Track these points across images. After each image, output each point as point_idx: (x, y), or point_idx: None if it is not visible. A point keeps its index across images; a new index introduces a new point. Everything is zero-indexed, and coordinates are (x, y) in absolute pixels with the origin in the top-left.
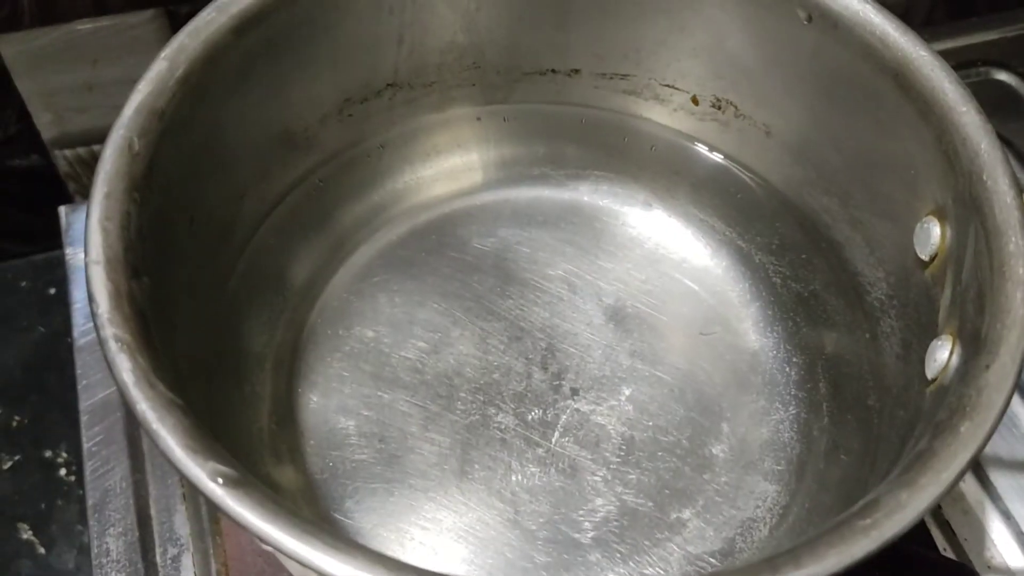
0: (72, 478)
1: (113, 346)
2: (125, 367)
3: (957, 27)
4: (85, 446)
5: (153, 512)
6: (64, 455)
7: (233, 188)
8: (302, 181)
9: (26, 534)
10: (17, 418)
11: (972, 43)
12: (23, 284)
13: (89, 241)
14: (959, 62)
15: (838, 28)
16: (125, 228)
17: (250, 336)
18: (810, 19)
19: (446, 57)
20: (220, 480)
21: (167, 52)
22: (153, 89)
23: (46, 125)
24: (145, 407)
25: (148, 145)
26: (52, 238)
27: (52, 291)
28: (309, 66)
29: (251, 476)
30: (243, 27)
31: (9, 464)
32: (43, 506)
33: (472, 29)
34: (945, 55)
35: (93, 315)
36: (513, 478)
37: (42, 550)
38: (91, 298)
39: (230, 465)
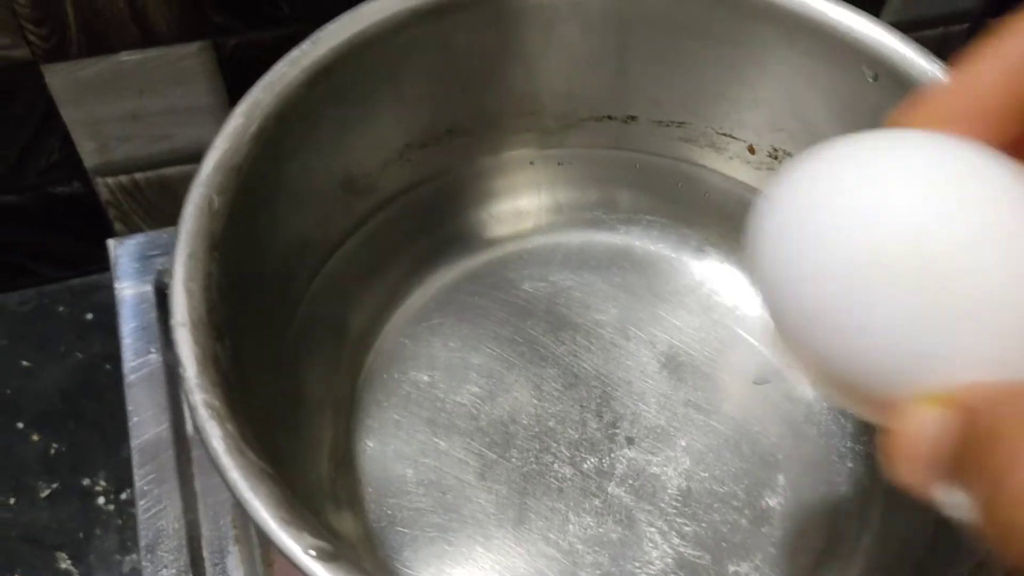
0: (111, 507)
1: (203, 413)
2: (215, 435)
3: None
4: (137, 485)
5: (206, 554)
6: (102, 483)
7: (297, 236)
8: (360, 226)
9: (64, 563)
10: (55, 445)
11: None
12: (60, 309)
13: (174, 303)
14: None
15: (905, 88)
16: (208, 289)
17: (308, 383)
18: (876, 78)
19: (504, 104)
20: (313, 553)
21: (242, 108)
22: (230, 146)
23: (89, 153)
24: (237, 476)
25: (227, 202)
26: (90, 263)
27: (90, 316)
28: (374, 114)
29: (343, 547)
30: (314, 79)
31: (47, 492)
32: (81, 535)
33: (532, 77)
34: None
35: (180, 378)
36: (570, 528)
37: None
38: (178, 361)
39: (323, 537)
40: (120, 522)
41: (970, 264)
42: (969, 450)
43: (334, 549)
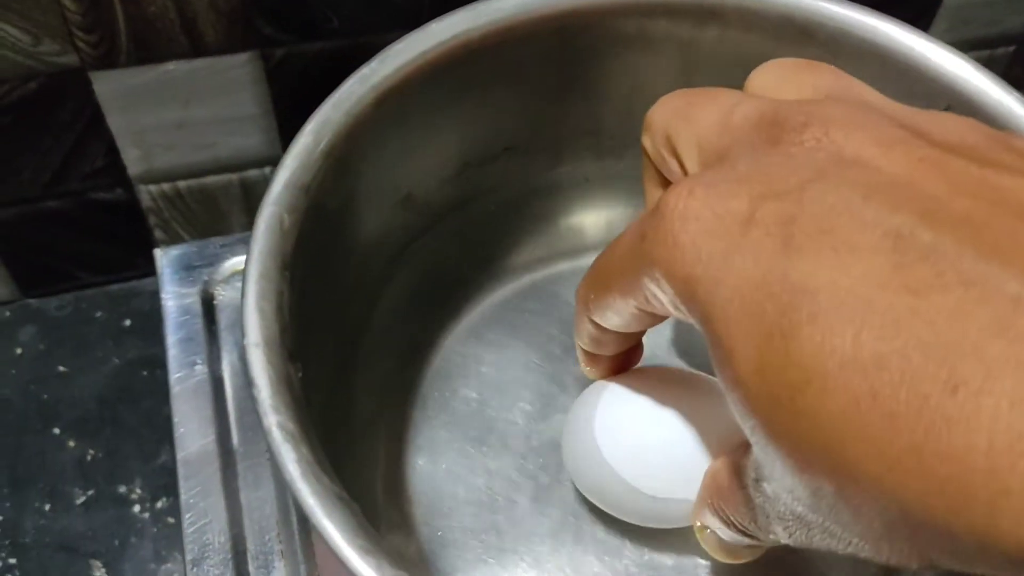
0: (146, 515)
1: (277, 435)
2: (291, 458)
3: None
4: (183, 497)
5: (251, 568)
6: (138, 491)
7: (358, 255)
8: (415, 242)
9: (99, 572)
10: (91, 452)
11: None
12: (98, 315)
13: (247, 323)
14: None
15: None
16: (280, 309)
17: (362, 402)
18: (948, 108)
19: (563, 125)
20: None
21: (312, 126)
22: (300, 164)
23: (133, 161)
24: (313, 502)
25: (296, 222)
26: (129, 269)
27: (128, 323)
28: (436, 134)
29: (414, 558)
30: (381, 98)
31: (82, 499)
32: (116, 543)
33: (592, 98)
34: None
35: (254, 399)
36: (626, 553)
37: None
38: (252, 383)
39: (401, 567)
40: (155, 531)
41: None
42: None
43: None
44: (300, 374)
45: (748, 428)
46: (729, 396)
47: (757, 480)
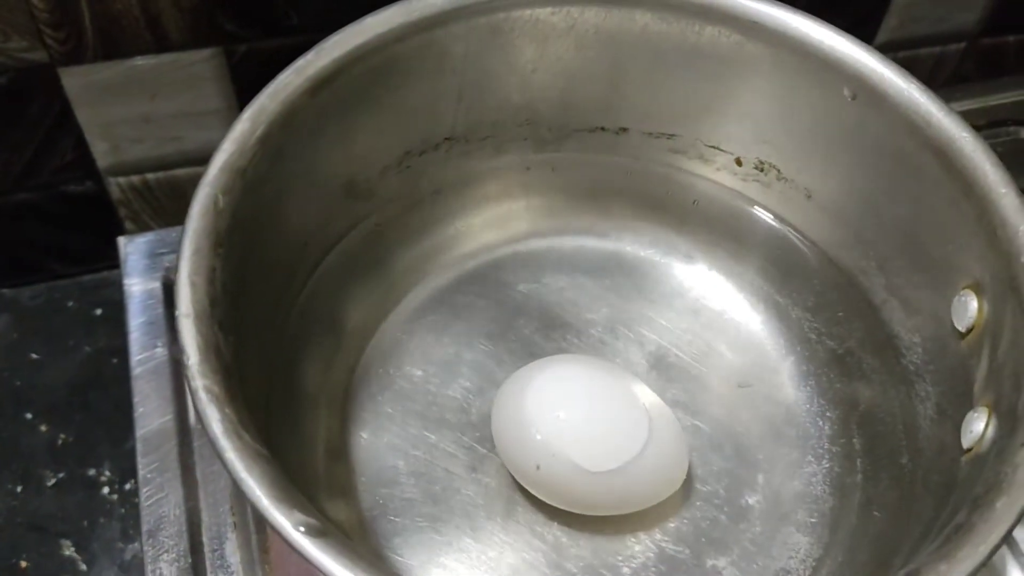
0: (115, 497)
1: (203, 397)
2: (215, 418)
3: (987, 86)
4: (140, 473)
5: (205, 539)
6: (107, 474)
7: (299, 237)
8: (356, 226)
9: (68, 551)
10: (62, 436)
11: (1003, 102)
12: (70, 304)
13: (179, 295)
14: (989, 121)
15: (883, 106)
16: (211, 283)
17: (305, 377)
18: (855, 97)
19: (501, 114)
20: (303, 529)
21: (248, 113)
22: (236, 149)
23: (102, 153)
24: (233, 456)
25: (231, 202)
26: (100, 260)
27: (98, 312)
28: (375, 122)
29: (331, 526)
30: (317, 87)
31: (53, 481)
32: (85, 524)
33: (527, 88)
34: (974, 114)
35: (183, 365)
36: (555, 522)
37: (84, 567)
38: (182, 349)
39: (312, 515)
40: (123, 511)
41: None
42: None
43: (323, 526)
44: (231, 345)
45: None
46: None
47: None
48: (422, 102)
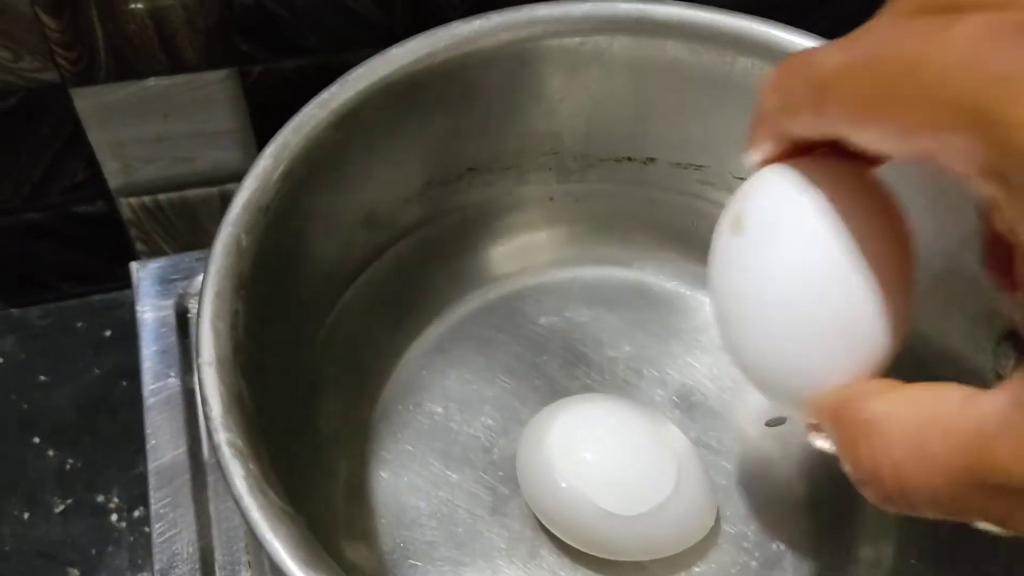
0: (123, 524)
1: (227, 452)
2: (239, 474)
3: None
4: (153, 508)
5: None
6: (116, 500)
7: (319, 272)
8: (378, 259)
9: None
10: (70, 461)
11: None
12: (79, 325)
13: (201, 342)
14: None
15: None
16: (234, 328)
17: (325, 415)
18: None
19: (525, 143)
20: None
21: (271, 149)
22: (258, 186)
23: (113, 174)
24: (258, 516)
25: (254, 241)
26: (110, 281)
27: (108, 333)
28: (398, 153)
29: (373, 568)
30: (341, 120)
31: (61, 508)
32: (93, 552)
33: (553, 118)
34: None
35: (206, 417)
36: (580, 566)
37: None
38: (204, 400)
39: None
40: (132, 540)
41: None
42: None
43: None
44: (255, 389)
45: None
46: None
47: None
48: (446, 133)
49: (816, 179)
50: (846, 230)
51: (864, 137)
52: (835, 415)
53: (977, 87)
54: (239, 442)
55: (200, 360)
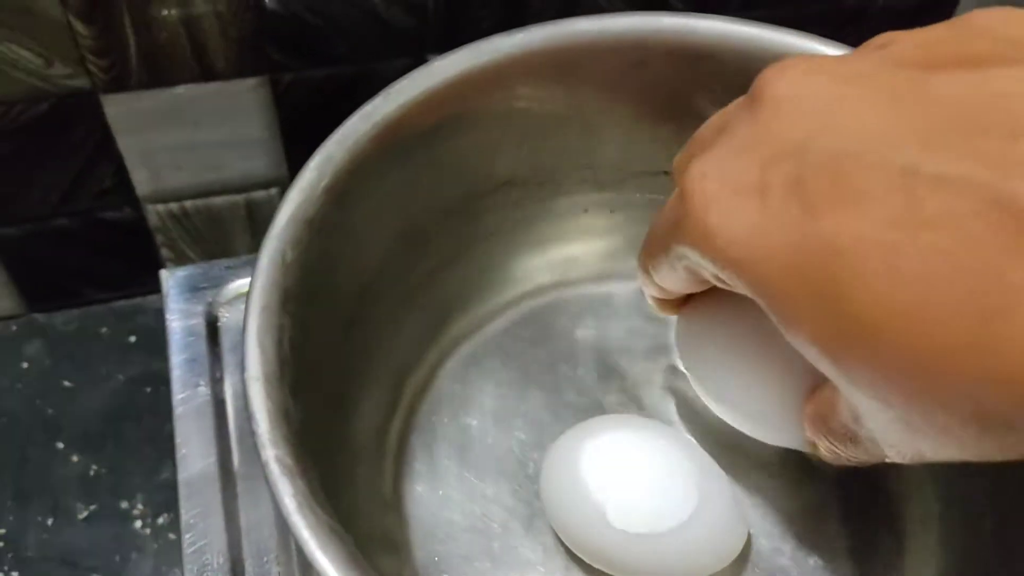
0: (147, 531)
1: (275, 469)
2: (287, 492)
3: None
4: (183, 518)
5: None
6: (140, 507)
7: (358, 286)
8: (412, 271)
9: None
10: (95, 467)
11: None
12: (103, 330)
13: (248, 357)
14: None
15: None
16: (280, 343)
17: (360, 428)
18: None
19: (562, 158)
20: None
21: (315, 162)
22: (303, 199)
23: (142, 181)
24: (307, 535)
25: (299, 255)
26: (135, 287)
27: (132, 339)
28: (437, 167)
29: None
30: (384, 133)
31: (85, 514)
32: (117, 559)
33: (590, 132)
34: None
35: (253, 433)
36: None
37: None
38: (251, 417)
39: None
40: (156, 546)
41: None
42: None
43: None
44: (300, 405)
45: (832, 375)
46: (803, 352)
47: (855, 418)
48: (485, 146)
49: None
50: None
51: (662, 280)
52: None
53: (678, 235)
54: (288, 459)
55: (247, 375)
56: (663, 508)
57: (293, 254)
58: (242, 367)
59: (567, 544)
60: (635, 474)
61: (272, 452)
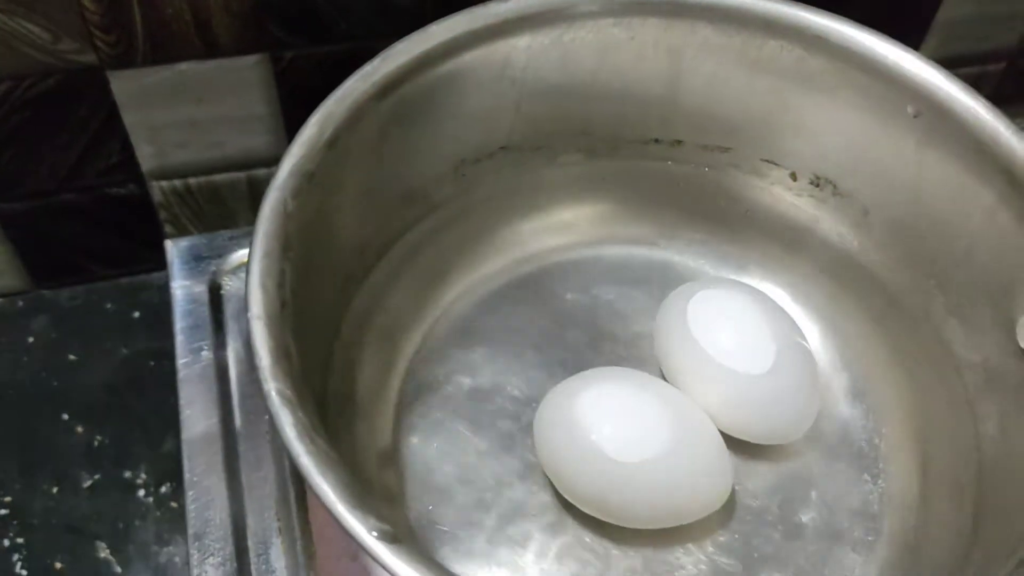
0: (150, 500)
1: (276, 400)
2: (288, 421)
3: None
4: (186, 476)
5: (250, 544)
6: (143, 476)
7: (356, 242)
8: (409, 231)
9: (103, 553)
10: (99, 438)
11: None
12: (108, 306)
13: (251, 298)
14: None
15: (947, 124)
16: (281, 287)
17: (358, 382)
18: (918, 115)
19: (557, 124)
20: (376, 534)
21: (316, 118)
22: (304, 153)
23: (146, 157)
24: (307, 461)
25: (300, 206)
26: (139, 263)
27: (136, 314)
28: (435, 130)
29: (403, 532)
30: (382, 93)
31: (89, 483)
32: (121, 526)
33: (584, 99)
34: None
35: (256, 367)
36: (605, 532)
37: (119, 569)
38: (254, 352)
39: (385, 520)
40: (159, 514)
41: None
42: None
43: (396, 532)
44: (298, 348)
45: None
46: None
47: None
48: (481, 110)
49: None
50: None
51: None
52: None
53: None
54: (288, 392)
55: (250, 314)
56: (649, 438)
57: (294, 204)
58: (246, 307)
59: (560, 490)
60: (625, 414)
61: (274, 385)
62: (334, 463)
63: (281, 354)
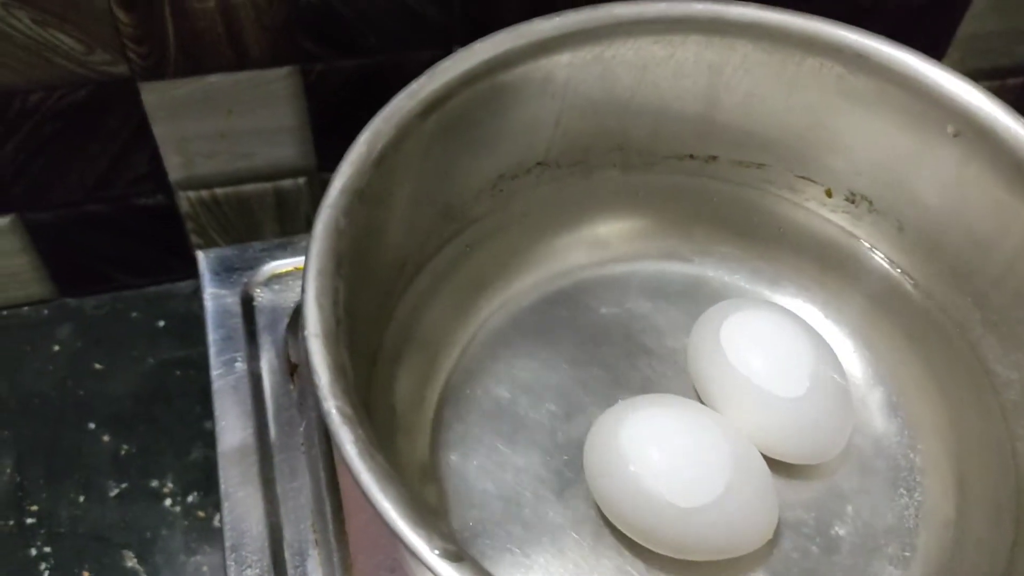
0: (177, 509)
1: (336, 418)
2: (348, 439)
3: None
4: (223, 488)
5: (287, 556)
6: (170, 485)
7: (398, 258)
8: (447, 246)
9: (131, 562)
10: (125, 447)
11: None
12: (134, 315)
13: (307, 316)
14: None
15: (987, 144)
16: (336, 304)
17: (398, 397)
18: (957, 134)
19: (594, 140)
20: (439, 552)
21: (366, 136)
22: (354, 171)
23: (175, 167)
24: (368, 479)
25: (351, 224)
26: (165, 273)
27: (162, 324)
28: (476, 146)
29: (467, 551)
30: (428, 111)
31: (116, 492)
32: (148, 535)
33: (622, 115)
34: None
35: (315, 386)
36: (645, 549)
37: None
38: (312, 371)
39: (449, 540)
40: (186, 524)
41: None
42: None
43: (459, 551)
44: (352, 365)
45: None
46: None
47: None
48: (521, 126)
49: None
50: None
51: None
52: None
53: None
54: (347, 409)
55: (307, 332)
56: (698, 483)
57: (345, 222)
58: (302, 326)
59: (605, 513)
60: (674, 449)
61: (334, 403)
62: (395, 481)
63: (339, 372)
